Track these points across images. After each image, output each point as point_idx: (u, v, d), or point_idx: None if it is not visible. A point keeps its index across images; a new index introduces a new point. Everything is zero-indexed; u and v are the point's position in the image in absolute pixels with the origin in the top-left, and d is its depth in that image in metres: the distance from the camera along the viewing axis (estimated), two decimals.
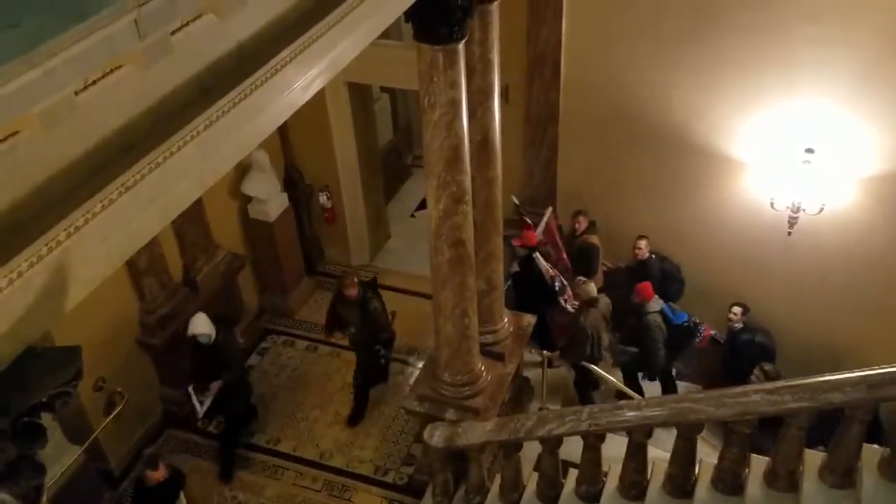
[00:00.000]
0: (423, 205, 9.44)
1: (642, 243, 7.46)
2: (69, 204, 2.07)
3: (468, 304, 5.62)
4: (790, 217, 6.68)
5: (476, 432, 5.30)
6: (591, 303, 6.98)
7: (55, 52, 1.81)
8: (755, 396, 4.08)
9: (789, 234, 6.75)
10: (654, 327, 7.00)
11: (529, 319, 6.89)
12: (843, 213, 6.63)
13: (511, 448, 5.18)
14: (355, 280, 7.09)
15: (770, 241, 6.98)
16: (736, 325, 7.08)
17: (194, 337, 6.59)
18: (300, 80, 3.00)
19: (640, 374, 7.47)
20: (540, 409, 7.15)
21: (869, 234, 6.64)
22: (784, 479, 4.34)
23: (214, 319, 6.70)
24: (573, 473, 5.21)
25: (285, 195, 8.38)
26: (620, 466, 4.85)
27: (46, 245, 2.00)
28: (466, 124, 4.87)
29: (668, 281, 7.42)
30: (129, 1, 1.91)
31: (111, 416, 6.03)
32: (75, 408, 6.19)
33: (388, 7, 3.79)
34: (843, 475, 4.17)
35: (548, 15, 7.08)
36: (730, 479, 4.48)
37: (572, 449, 5.01)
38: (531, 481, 5.46)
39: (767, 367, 6.32)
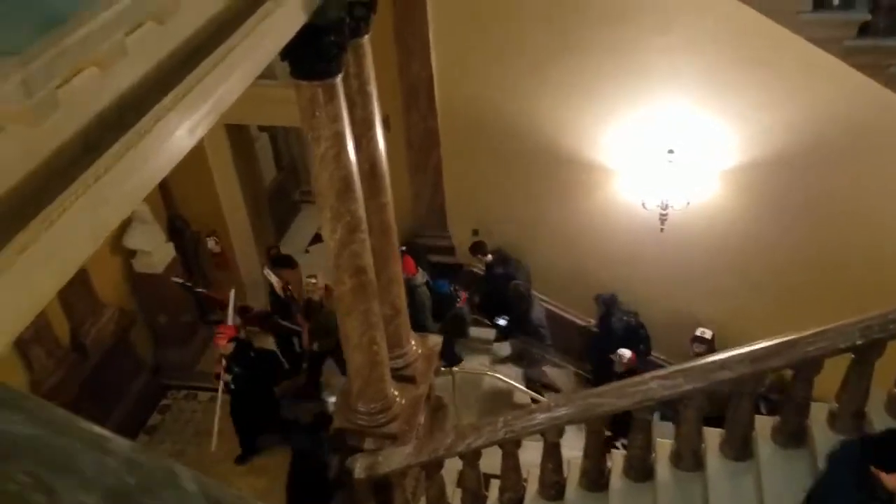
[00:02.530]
0: (316, 238, 9.39)
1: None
2: None
3: (376, 331, 5.64)
4: (661, 214, 7.15)
5: (397, 457, 5.33)
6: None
7: None
8: (652, 384, 4.35)
9: (662, 230, 7.22)
10: (425, 298, 7.59)
11: (436, 339, 7.00)
12: (707, 205, 7.17)
13: (433, 468, 5.25)
14: None
15: (645, 240, 7.44)
16: (486, 258, 7.92)
17: None
18: (185, 124, 2.99)
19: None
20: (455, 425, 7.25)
21: (731, 224, 7.20)
22: (689, 458, 4.64)
23: None
24: (495, 484, 5.34)
25: (171, 245, 8.13)
26: (539, 469, 5.02)
27: None
28: (353, 155, 4.95)
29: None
30: (13, 60, 1.88)
31: None
32: None
33: (265, 46, 3.83)
34: (740, 448, 4.52)
35: (416, 46, 7.29)
36: (639, 466, 4.73)
37: (491, 461, 5.14)
38: (455, 498, 5.54)
39: (519, 282, 7.53)
